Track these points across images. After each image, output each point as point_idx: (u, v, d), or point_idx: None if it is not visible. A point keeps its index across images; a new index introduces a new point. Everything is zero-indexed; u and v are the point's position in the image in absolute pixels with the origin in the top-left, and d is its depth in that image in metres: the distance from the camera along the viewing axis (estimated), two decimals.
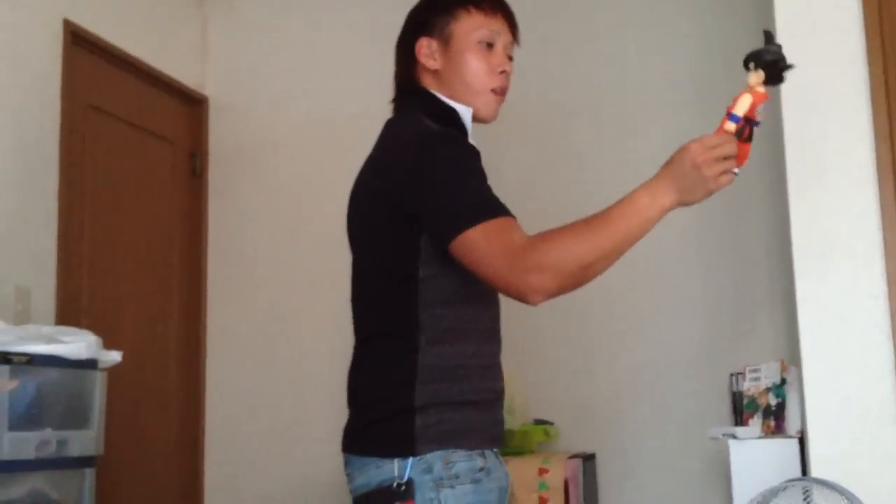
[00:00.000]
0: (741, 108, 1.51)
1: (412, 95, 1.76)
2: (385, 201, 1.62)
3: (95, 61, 3.29)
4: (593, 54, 3.44)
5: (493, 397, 1.67)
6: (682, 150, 1.49)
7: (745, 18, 3.20)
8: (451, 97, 1.72)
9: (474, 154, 1.61)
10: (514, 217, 1.52)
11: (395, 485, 1.57)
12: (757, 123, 1.52)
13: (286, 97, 3.80)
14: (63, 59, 3.08)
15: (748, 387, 2.49)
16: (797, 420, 2.38)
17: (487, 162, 1.60)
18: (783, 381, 2.46)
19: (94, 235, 3.22)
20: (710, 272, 3.17)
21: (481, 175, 1.58)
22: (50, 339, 2.40)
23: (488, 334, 1.66)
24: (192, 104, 3.82)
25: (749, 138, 1.51)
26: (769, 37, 1.58)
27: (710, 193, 1.49)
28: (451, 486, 1.56)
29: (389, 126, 1.75)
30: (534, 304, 1.49)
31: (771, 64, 1.53)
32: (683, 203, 1.50)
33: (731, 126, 1.50)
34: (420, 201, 1.55)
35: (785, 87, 2.35)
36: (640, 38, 3.40)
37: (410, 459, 1.57)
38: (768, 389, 2.47)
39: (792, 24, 2.37)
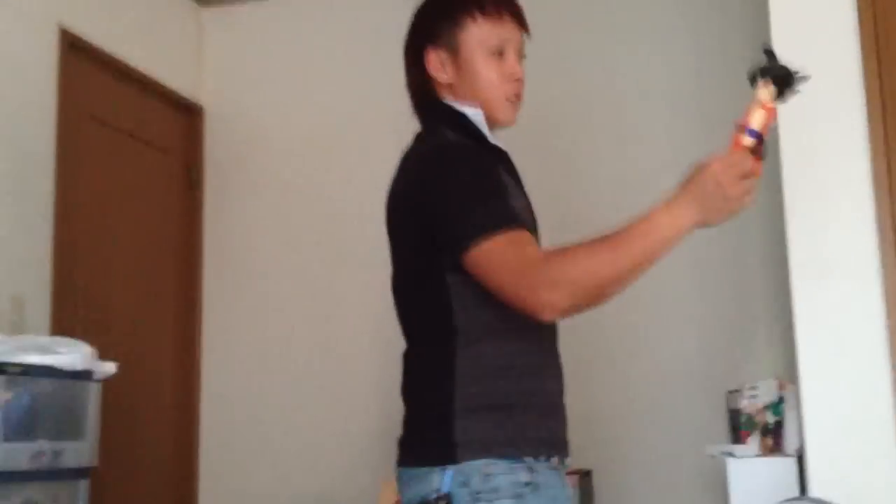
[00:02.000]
0: (756, 123, 1.45)
1: (430, 109, 1.70)
2: (409, 213, 1.58)
3: (92, 70, 3.27)
4: (592, 66, 3.44)
5: (547, 400, 1.58)
6: (703, 169, 1.43)
7: (742, 33, 3.22)
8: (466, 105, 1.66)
9: (489, 164, 1.57)
10: (527, 229, 1.48)
11: (434, 498, 1.47)
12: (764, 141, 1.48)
13: (282, 107, 3.80)
14: (59, 67, 3.08)
15: (746, 405, 2.49)
16: (795, 439, 2.37)
17: None
18: (781, 400, 2.46)
19: (90, 245, 3.21)
20: (708, 289, 3.17)
21: (496, 186, 1.53)
22: (45, 350, 2.39)
23: (534, 330, 1.54)
24: (189, 114, 3.81)
25: (762, 156, 1.46)
26: (771, 54, 1.53)
27: (732, 214, 1.43)
28: (490, 501, 1.45)
29: (416, 140, 1.70)
30: (545, 320, 1.44)
31: (784, 78, 1.47)
32: (704, 224, 1.44)
33: (749, 141, 1.44)
34: (434, 214, 1.51)
35: (781, 104, 2.36)
36: (638, 50, 3.41)
37: (450, 470, 1.47)
38: (766, 407, 2.47)
39: (788, 39, 2.38)
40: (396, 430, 1.60)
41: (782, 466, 2.34)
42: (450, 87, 1.66)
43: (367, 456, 3.33)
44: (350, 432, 3.48)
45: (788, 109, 2.31)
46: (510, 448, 1.49)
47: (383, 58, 3.63)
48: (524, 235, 1.46)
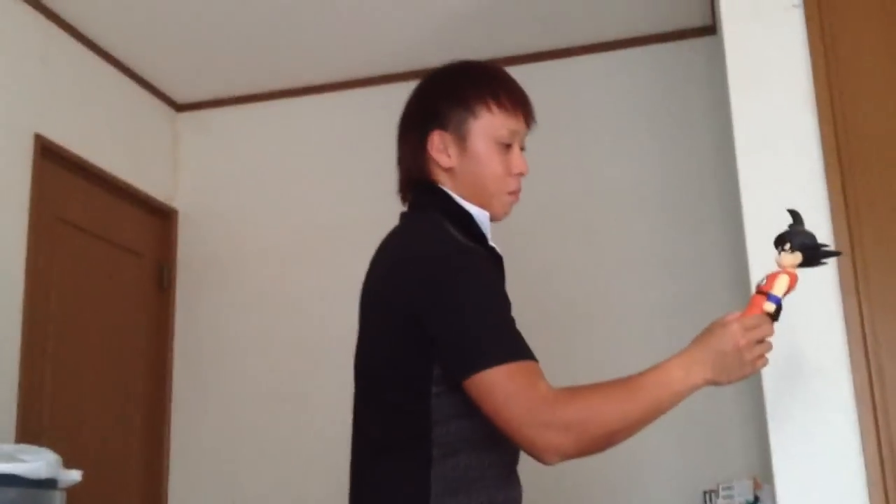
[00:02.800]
0: (779, 289, 1.49)
1: (427, 192, 1.63)
2: (398, 311, 1.48)
3: (65, 174, 3.30)
4: (562, 166, 3.52)
5: None
6: (722, 329, 1.44)
7: (704, 135, 3.34)
8: (463, 196, 1.60)
9: (499, 279, 1.52)
10: (537, 361, 1.41)
11: None
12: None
13: (257, 210, 3.83)
14: (32, 171, 3.10)
15: None
16: None
17: None
18: (756, 499, 2.44)
19: (58, 351, 3.17)
20: None
21: (505, 305, 1.47)
22: (9, 458, 2.33)
23: (504, 440, 1.46)
24: (162, 217, 3.83)
25: (777, 318, 1.50)
26: (797, 217, 1.56)
27: (744, 377, 1.44)
28: None
29: (406, 223, 1.63)
30: (548, 463, 1.39)
31: (811, 248, 1.52)
32: (716, 383, 1.44)
33: (770, 307, 1.48)
34: (437, 325, 1.42)
35: (747, 206, 2.42)
36: (607, 152, 3.50)
37: None
38: None
39: (750, 142, 2.45)
40: None
41: None
42: (449, 172, 1.61)
43: None
44: None
45: (755, 212, 2.39)
46: None
47: (359, 163, 3.74)
48: (534, 367, 1.40)
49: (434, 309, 1.43)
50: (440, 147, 1.61)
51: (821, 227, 2.36)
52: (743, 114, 2.48)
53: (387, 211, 3.58)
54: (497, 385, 1.36)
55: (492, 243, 1.60)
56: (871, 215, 2.33)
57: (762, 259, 2.38)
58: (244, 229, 3.82)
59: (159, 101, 3.88)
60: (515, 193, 1.65)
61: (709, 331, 1.45)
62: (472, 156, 1.60)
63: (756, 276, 2.40)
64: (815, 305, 2.31)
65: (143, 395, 3.61)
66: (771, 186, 2.40)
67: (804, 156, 2.41)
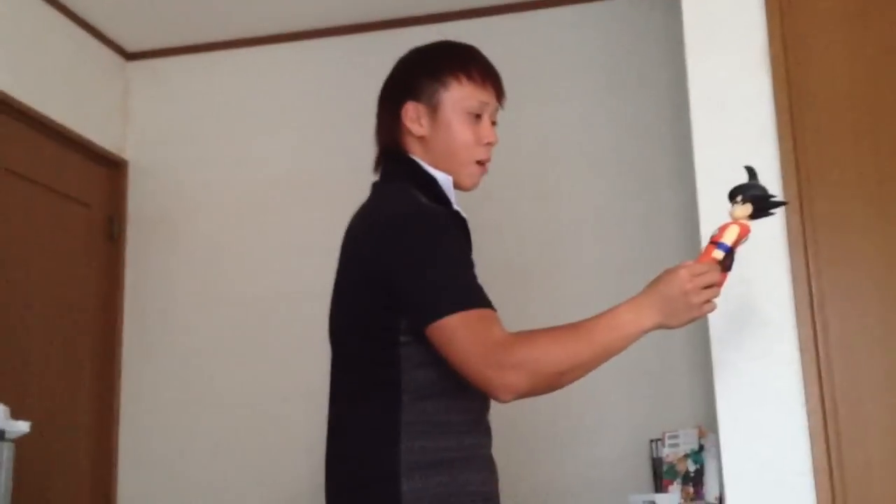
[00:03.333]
0: (729, 238, 1.56)
1: (396, 162, 1.74)
2: (367, 270, 1.60)
3: (11, 123, 3.22)
4: (515, 122, 3.49)
5: (483, 454, 1.63)
6: (670, 275, 1.52)
7: (659, 102, 3.37)
8: (434, 164, 1.71)
9: (461, 237, 1.61)
10: (494, 309, 1.51)
11: None
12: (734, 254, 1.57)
13: (210, 162, 3.78)
14: None
15: (668, 453, 2.53)
16: (716, 486, 2.42)
17: None
18: (701, 448, 2.50)
19: (3, 302, 3.12)
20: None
21: (466, 260, 1.58)
22: None
23: (471, 388, 1.56)
24: (111, 167, 3.76)
25: (728, 267, 1.57)
26: (752, 173, 1.65)
27: (692, 320, 1.53)
28: None
29: (377, 192, 1.74)
30: (503, 401, 1.48)
31: (760, 199, 1.59)
32: (665, 326, 1.53)
33: (719, 254, 1.56)
34: (401, 279, 1.54)
35: (700, 164, 2.46)
36: (562, 111, 3.50)
37: None
38: (687, 456, 2.51)
39: (704, 101, 2.48)
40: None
41: None
42: (422, 140, 1.72)
43: None
44: (278, 495, 3.40)
45: (706, 167, 2.43)
46: (455, 502, 1.52)
47: (315, 116, 3.70)
48: (491, 314, 1.50)
49: (399, 265, 1.54)
50: (413, 117, 1.72)
51: (772, 186, 2.40)
52: (698, 72, 2.51)
53: (342, 165, 3.61)
54: (455, 330, 1.46)
55: (456, 207, 1.70)
56: (821, 174, 2.39)
57: (714, 217, 2.40)
58: (197, 182, 3.77)
59: (109, 49, 3.79)
60: (484, 164, 1.75)
61: (659, 277, 1.54)
62: (443, 125, 1.71)
63: (707, 233, 2.43)
64: (765, 260, 2.36)
65: (93, 347, 3.57)
66: (724, 145, 2.44)
67: (757, 115, 2.45)
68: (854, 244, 2.34)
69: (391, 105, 1.76)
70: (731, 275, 2.34)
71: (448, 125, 1.71)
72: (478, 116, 1.72)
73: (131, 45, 3.86)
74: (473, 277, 1.55)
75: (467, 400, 1.60)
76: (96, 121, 3.68)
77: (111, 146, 3.75)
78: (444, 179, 1.71)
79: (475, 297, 1.50)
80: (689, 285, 1.50)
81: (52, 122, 3.39)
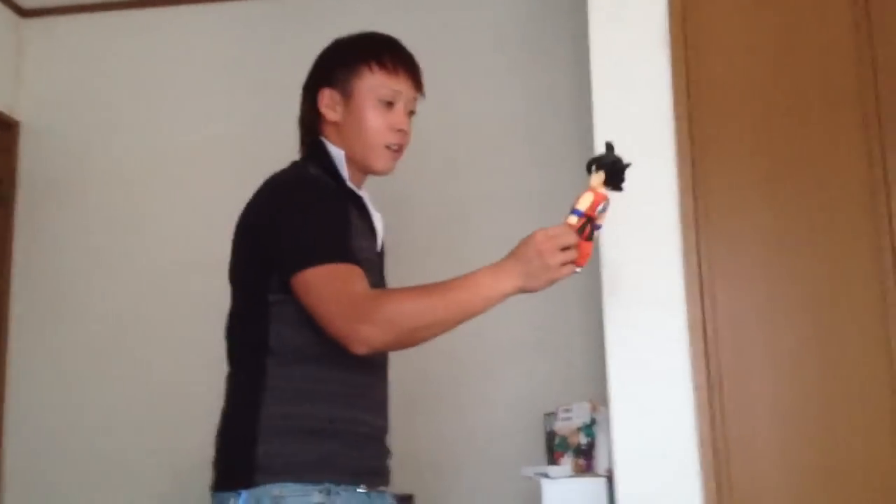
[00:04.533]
0: (583, 205, 1.63)
1: (307, 145, 1.81)
2: (248, 230, 1.66)
3: None
4: (431, 101, 3.50)
5: (358, 430, 1.61)
6: (527, 239, 1.57)
7: (566, 82, 3.39)
8: (348, 149, 1.76)
9: (340, 202, 1.65)
10: (359, 266, 1.55)
11: None
12: (598, 226, 1.64)
13: (110, 127, 3.66)
14: None
15: (561, 426, 2.57)
16: (606, 459, 2.46)
17: None
18: (593, 421, 2.55)
19: None
20: (528, 315, 3.25)
21: (336, 220, 1.61)
22: None
23: (352, 361, 1.56)
24: (2, 128, 3.61)
25: (590, 237, 1.63)
26: (609, 146, 1.73)
27: (551, 282, 1.58)
28: None
29: (280, 171, 1.79)
30: (356, 353, 1.50)
31: (611, 165, 1.66)
32: (525, 289, 1.58)
33: (572, 219, 1.62)
34: (273, 237, 1.59)
35: (599, 141, 2.48)
36: (474, 90, 3.49)
37: (243, 494, 1.50)
38: (579, 429, 2.55)
39: (606, 78, 2.50)
40: None
41: (593, 486, 2.42)
42: (336, 125, 1.78)
43: (191, 484, 3.21)
44: (173, 460, 3.34)
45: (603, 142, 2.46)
46: (312, 473, 1.52)
47: (219, 83, 3.61)
48: (355, 271, 1.53)
49: (272, 222, 1.61)
50: (328, 103, 1.78)
51: (667, 166, 2.45)
52: (601, 50, 2.53)
53: (249, 133, 3.53)
54: (317, 282, 1.51)
55: (350, 184, 1.74)
56: (715, 155, 2.44)
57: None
58: (95, 146, 3.65)
59: (2, 5, 3.63)
60: (397, 149, 1.80)
61: (518, 243, 1.59)
62: (355, 111, 1.76)
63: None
64: (658, 239, 2.41)
65: None
66: (623, 123, 2.47)
67: (656, 95, 2.49)
68: (745, 225, 2.40)
69: (310, 93, 1.82)
70: (624, 253, 2.40)
71: (359, 111, 1.76)
72: (390, 104, 1.77)
73: (26, 2, 3.71)
74: (344, 238, 1.59)
75: (346, 371, 1.60)
76: None
77: (2, 106, 3.60)
78: (336, 154, 1.76)
79: (339, 252, 1.54)
80: (544, 246, 1.55)
81: None
